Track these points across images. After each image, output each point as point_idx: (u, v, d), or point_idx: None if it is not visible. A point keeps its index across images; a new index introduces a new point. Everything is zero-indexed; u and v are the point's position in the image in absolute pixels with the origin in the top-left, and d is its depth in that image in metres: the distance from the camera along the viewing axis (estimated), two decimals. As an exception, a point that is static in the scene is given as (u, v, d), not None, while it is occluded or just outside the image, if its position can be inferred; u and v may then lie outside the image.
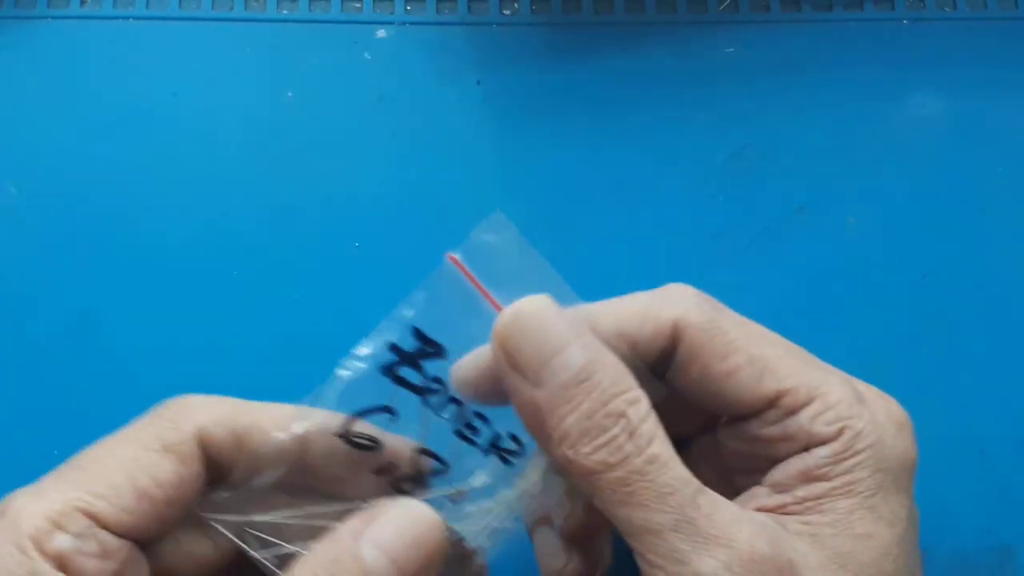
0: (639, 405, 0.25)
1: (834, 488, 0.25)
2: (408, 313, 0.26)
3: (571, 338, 0.25)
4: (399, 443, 0.27)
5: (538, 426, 0.25)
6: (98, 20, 0.46)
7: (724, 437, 0.29)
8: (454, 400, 0.27)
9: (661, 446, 0.24)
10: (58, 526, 0.23)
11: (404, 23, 0.47)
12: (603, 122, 0.45)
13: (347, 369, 0.26)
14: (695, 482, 0.24)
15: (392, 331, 0.26)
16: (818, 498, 0.25)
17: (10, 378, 0.39)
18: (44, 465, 0.26)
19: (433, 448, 0.27)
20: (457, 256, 0.27)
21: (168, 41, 0.46)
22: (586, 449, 0.24)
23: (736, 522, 0.24)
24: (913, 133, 0.46)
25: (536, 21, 0.48)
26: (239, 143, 0.44)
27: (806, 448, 0.26)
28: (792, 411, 0.26)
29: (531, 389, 0.25)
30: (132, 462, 0.25)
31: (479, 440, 0.27)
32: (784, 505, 0.26)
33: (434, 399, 0.27)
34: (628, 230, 0.43)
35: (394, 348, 0.26)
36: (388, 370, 0.26)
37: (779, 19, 0.48)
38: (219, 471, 0.27)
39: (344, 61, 0.46)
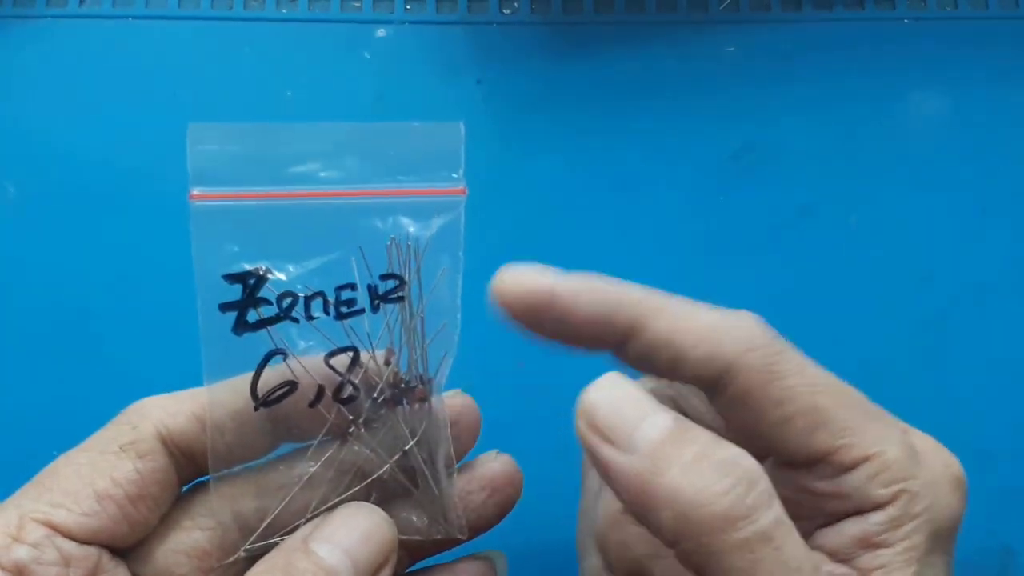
0: (748, 458, 0.22)
1: (896, 555, 0.24)
2: (204, 271, 0.26)
3: (656, 406, 0.24)
4: (310, 365, 0.26)
5: (641, 492, 0.23)
6: (97, 19, 0.46)
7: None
8: (311, 297, 0.26)
9: (782, 508, 0.22)
10: (15, 539, 0.23)
11: (404, 22, 0.47)
12: (603, 122, 0.45)
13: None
14: (817, 555, 0.23)
15: (210, 294, 0.26)
16: (882, 567, 0.24)
17: (9, 377, 0.39)
18: (44, 464, 0.26)
19: (334, 346, 0.26)
20: (196, 191, 0.26)
21: (167, 40, 0.46)
22: (702, 498, 0.21)
23: None
24: (914, 133, 0.46)
25: (536, 20, 0.47)
26: (238, 143, 0.44)
27: (859, 508, 0.25)
28: (846, 468, 0.25)
29: (626, 456, 0.23)
30: (88, 467, 0.25)
31: (363, 304, 0.26)
32: None
33: (296, 311, 0.26)
34: (628, 230, 0.43)
35: (224, 306, 0.25)
36: (240, 326, 0.25)
37: (780, 19, 0.48)
38: (195, 463, 0.26)
39: (343, 60, 0.46)
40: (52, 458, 0.26)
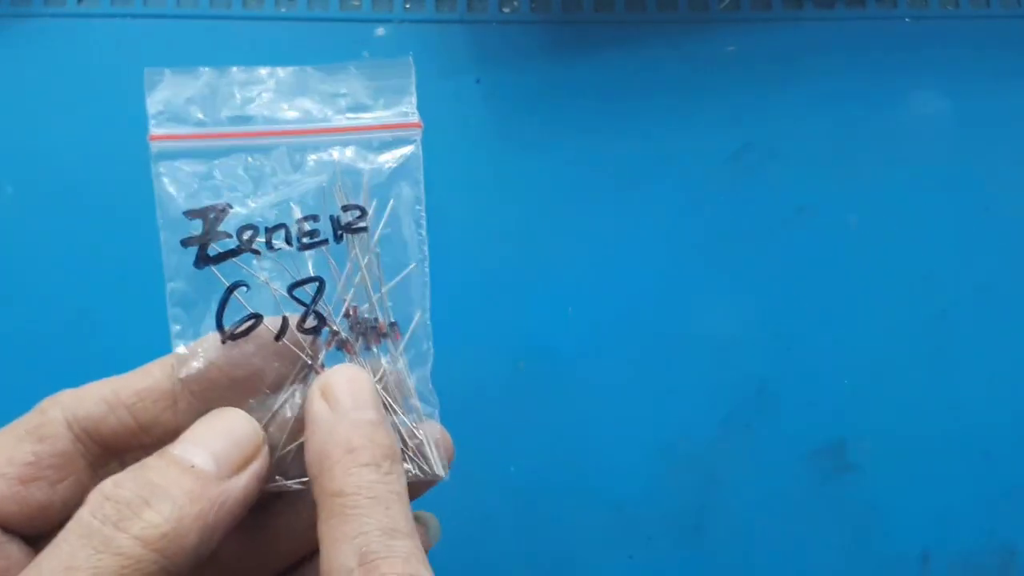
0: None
1: None
2: (167, 211, 0.26)
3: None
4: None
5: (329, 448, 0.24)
6: (96, 18, 0.46)
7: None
8: (273, 228, 0.27)
9: None
10: None
11: (403, 21, 0.47)
12: (603, 121, 0.45)
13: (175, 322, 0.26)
14: None
15: (173, 233, 0.26)
16: None
17: (8, 378, 0.39)
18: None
19: (299, 276, 0.27)
20: (156, 132, 0.27)
21: (166, 39, 0.46)
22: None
23: None
24: (915, 132, 0.46)
25: (536, 19, 0.47)
26: (237, 142, 0.44)
27: None
28: None
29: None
30: None
31: (325, 235, 0.27)
32: None
33: (257, 243, 0.26)
34: (628, 229, 0.43)
35: (187, 241, 0.26)
36: (202, 260, 0.26)
37: (780, 17, 0.48)
38: (107, 445, 0.26)
39: (343, 59, 0.46)
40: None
